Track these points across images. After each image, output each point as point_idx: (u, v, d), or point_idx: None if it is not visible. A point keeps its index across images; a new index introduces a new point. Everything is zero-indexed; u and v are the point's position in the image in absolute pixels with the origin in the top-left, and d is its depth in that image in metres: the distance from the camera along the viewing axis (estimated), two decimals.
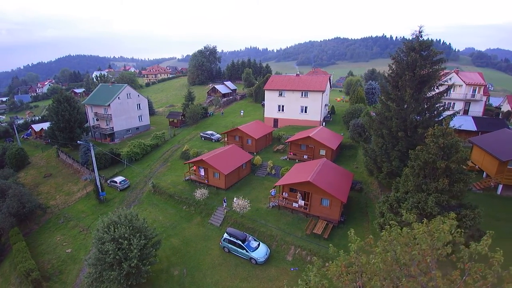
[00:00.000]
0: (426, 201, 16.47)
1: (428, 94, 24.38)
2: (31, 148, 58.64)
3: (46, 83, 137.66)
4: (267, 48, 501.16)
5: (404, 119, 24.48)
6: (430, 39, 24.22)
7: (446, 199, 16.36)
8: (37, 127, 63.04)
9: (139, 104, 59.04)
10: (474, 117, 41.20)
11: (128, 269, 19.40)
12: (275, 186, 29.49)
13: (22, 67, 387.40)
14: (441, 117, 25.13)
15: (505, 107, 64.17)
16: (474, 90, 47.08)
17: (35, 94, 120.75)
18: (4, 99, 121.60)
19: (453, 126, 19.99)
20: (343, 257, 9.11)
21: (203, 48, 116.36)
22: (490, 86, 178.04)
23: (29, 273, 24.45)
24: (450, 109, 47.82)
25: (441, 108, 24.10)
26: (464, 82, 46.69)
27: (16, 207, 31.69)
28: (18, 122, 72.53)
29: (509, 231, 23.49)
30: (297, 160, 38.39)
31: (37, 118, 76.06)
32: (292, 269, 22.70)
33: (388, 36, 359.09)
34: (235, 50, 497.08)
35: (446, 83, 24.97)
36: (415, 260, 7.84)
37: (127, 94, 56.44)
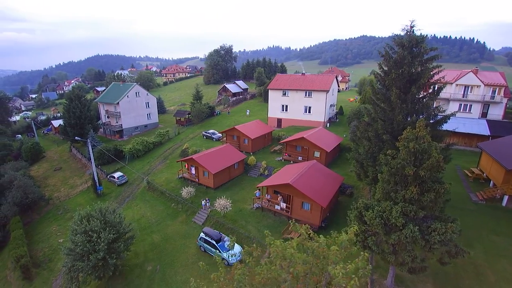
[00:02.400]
0: (390, 211, 15.17)
1: (419, 94, 22.61)
2: (49, 142, 62.48)
3: (72, 81, 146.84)
4: (290, 47, 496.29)
5: (392, 121, 22.88)
6: (422, 34, 22.48)
7: (414, 210, 14.95)
8: (56, 123, 67.08)
9: (147, 103, 60.77)
10: (488, 121, 37.78)
11: (95, 261, 19.90)
12: (258, 187, 28.89)
13: (54, 66, 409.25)
14: (434, 120, 23.26)
15: None
16: (493, 91, 43.11)
17: (62, 91, 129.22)
18: (33, 96, 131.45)
19: (425, 128, 18.22)
20: (222, 270, 8.57)
21: (219, 47, 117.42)
22: None
23: (19, 259, 25.97)
24: (467, 111, 44.43)
25: (432, 109, 22.16)
26: (482, 82, 42.91)
27: (20, 197, 33.84)
28: (41, 118, 77.81)
29: (507, 248, 21.26)
30: (291, 162, 37.44)
31: (60, 114, 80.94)
32: None
33: (418, 33, 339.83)
34: (257, 49, 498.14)
35: (438, 82, 22.96)
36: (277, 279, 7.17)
37: (136, 92, 58.32)
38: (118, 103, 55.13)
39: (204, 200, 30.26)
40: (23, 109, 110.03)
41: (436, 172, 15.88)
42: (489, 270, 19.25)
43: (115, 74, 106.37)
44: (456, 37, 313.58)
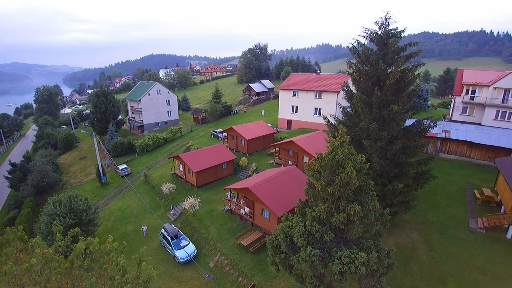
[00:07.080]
0: (295, 228, 13.48)
1: (390, 98, 19.56)
2: (87, 134, 70.31)
3: (122, 79, 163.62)
4: (340, 45, 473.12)
5: (356, 128, 20.29)
6: (397, 29, 19.44)
7: (320, 231, 13.02)
8: None
9: (168, 100, 64.20)
10: None
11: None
12: (225, 189, 28.35)
13: (113, 64, 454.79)
14: (417, 128, 19.95)
15: None
16: None
17: (113, 88, 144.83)
18: (89, 91, 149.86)
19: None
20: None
21: (254, 46, 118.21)
22: None
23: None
24: (505, 119, 37.19)
25: (399, 116, 18.96)
26: None
27: (37, 180, 38.80)
28: (87, 111, 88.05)
29: None
30: (282, 165, 35.86)
31: None
32: (206, 276, 21.66)
33: (487, 31, 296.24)
34: (305, 47, 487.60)
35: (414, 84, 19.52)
36: None
37: (157, 90, 62.03)
38: (140, 100, 59.38)
39: (172, 208, 31.14)
40: (77, 103, 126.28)
41: (361, 191, 13.63)
42: None
43: (150, 72, 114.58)
44: None
